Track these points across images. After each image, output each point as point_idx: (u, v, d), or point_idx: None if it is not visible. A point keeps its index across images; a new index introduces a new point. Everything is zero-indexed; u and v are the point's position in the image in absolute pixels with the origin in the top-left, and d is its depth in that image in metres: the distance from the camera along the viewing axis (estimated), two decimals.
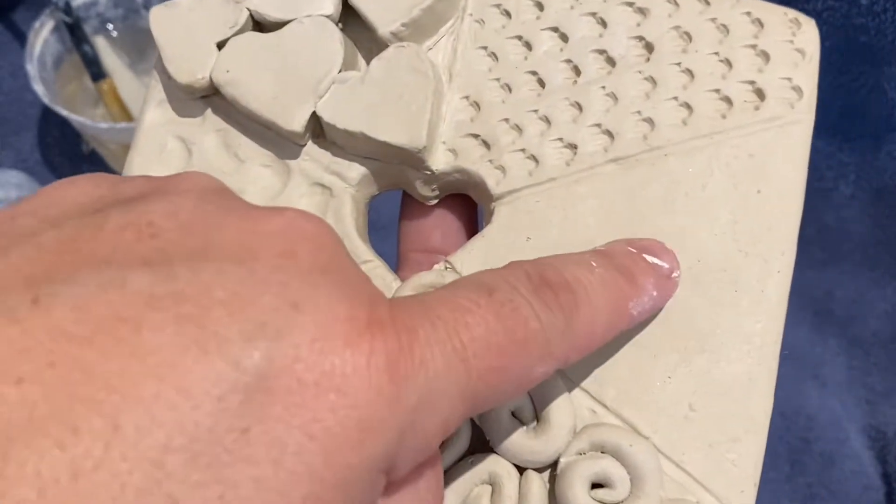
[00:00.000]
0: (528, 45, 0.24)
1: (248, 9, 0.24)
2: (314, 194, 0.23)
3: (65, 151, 0.58)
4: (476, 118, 0.23)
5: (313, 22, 0.23)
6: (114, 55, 0.55)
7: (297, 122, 0.23)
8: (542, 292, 0.16)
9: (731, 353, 0.21)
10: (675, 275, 0.21)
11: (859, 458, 0.51)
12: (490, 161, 0.23)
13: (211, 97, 0.24)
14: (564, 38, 0.24)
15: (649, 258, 0.20)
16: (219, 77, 0.23)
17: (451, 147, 0.23)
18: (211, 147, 0.24)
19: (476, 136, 0.23)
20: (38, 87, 0.50)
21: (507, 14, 0.24)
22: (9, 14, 0.62)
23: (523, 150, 0.23)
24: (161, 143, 0.24)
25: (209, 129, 0.24)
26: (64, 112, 0.49)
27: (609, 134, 0.23)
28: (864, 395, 0.52)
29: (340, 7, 0.24)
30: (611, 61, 0.23)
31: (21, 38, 0.59)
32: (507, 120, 0.23)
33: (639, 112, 0.23)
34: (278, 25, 0.24)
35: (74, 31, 0.52)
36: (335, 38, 0.23)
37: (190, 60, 0.24)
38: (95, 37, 0.55)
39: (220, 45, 0.24)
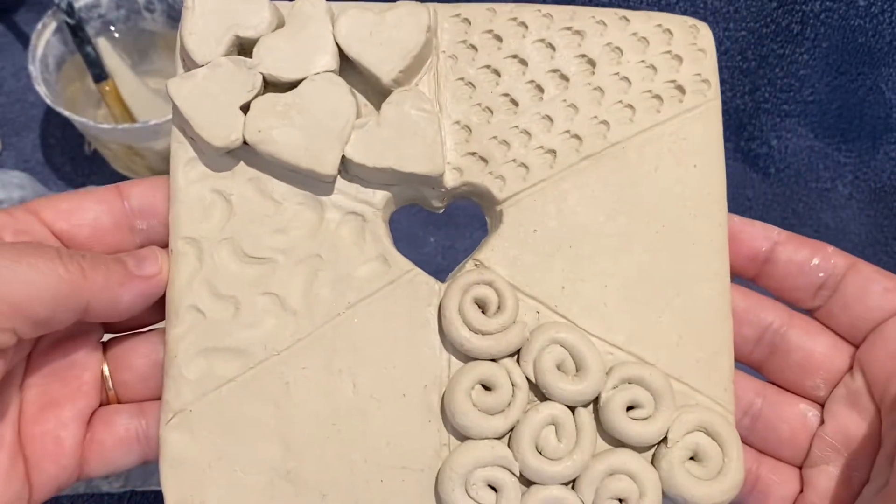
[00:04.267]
0: (497, 73, 0.29)
1: (260, 73, 0.28)
2: (350, 221, 0.28)
3: (67, 152, 0.58)
4: (469, 139, 0.29)
5: (324, 79, 0.28)
6: (116, 56, 0.55)
7: (329, 166, 0.27)
8: None
9: (700, 292, 0.28)
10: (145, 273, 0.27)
11: None
12: (490, 173, 0.28)
13: (236, 150, 0.28)
14: (524, 62, 0.29)
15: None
16: (251, 137, 0.27)
17: (456, 166, 0.28)
18: (249, 194, 0.28)
19: (473, 153, 0.28)
20: (41, 88, 0.50)
21: (474, 48, 0.29)
22: (11, 15, 0.61)
23: (514, 160, 0.28)
24: (200, 198, 0.28)
25: (242, 180, 0.28)
26: (66, 113, 0.50)
27: (577, 137, 0.29)
28: None
29: (339, 61, 0.28)
30: (564, 78, 0.29)
31: (23, 39, 0.58)
32: (495, 137, 0.29)
33: (595, 117, 0.29)
34: (290, 85, 0.28)
35: (77, 33, 0.52)
36: (346, 90, 0.28)
37: (220, 125, 0.27)
38: (97, 38, 0.55)
39: (244, 108, 0.27)
